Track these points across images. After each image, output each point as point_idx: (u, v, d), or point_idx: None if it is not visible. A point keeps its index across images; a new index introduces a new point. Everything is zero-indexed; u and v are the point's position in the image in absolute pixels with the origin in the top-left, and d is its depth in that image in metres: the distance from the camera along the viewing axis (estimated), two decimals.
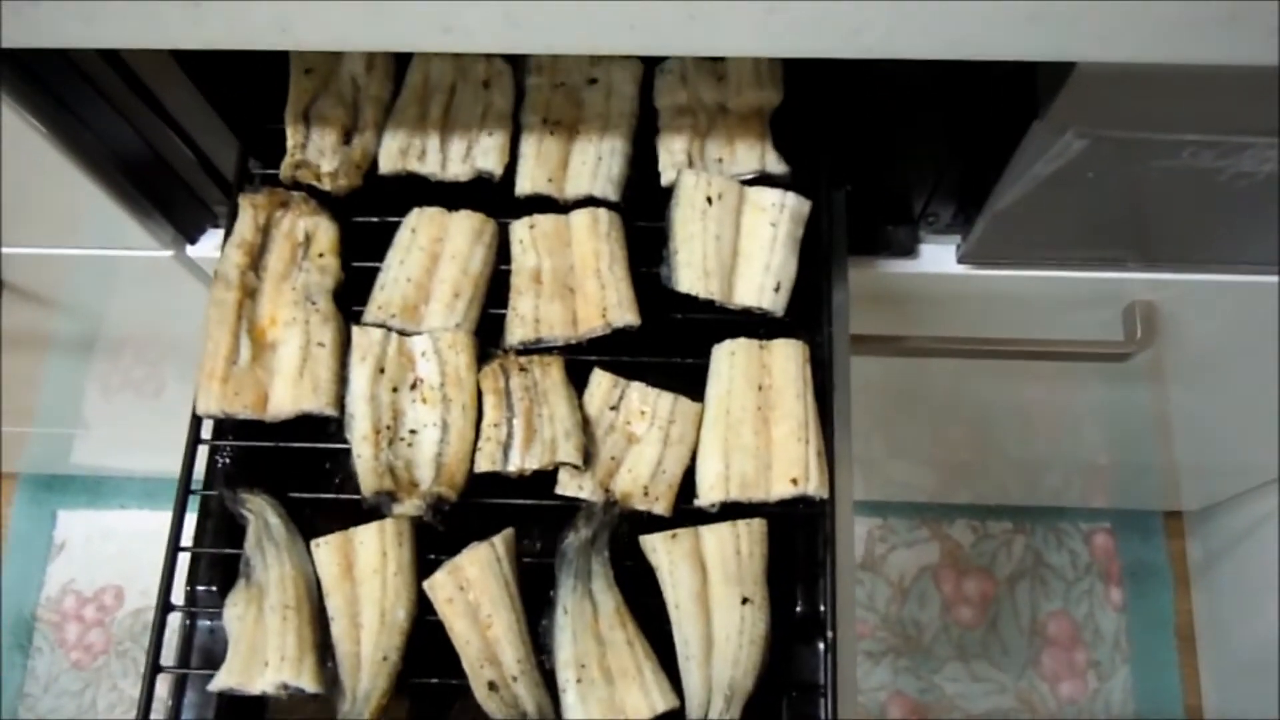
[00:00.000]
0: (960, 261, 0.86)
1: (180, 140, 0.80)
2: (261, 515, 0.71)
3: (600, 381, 0.72)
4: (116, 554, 1.74)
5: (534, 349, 0.72)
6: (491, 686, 0.66)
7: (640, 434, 0.71)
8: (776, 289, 0.71)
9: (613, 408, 0.72)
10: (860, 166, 0.80)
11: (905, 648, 1.58)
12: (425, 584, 0.68)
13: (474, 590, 0.68)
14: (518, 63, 0.78)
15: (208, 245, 0.89)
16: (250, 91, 0.78)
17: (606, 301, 0.71)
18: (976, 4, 0.51)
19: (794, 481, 0.68)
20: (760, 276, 0.71)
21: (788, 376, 0.70)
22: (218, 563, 0.74)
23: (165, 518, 0.73)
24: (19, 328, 1.06)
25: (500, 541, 0.69)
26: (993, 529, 1.64)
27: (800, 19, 0.52)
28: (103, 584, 1.71)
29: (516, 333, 0.72)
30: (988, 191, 0.76)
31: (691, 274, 0.71)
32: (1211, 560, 1.57)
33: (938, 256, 0.87)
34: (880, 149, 0.80)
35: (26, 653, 1.67)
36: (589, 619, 0.67)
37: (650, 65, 0.77)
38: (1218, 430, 1.25)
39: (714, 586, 0.68)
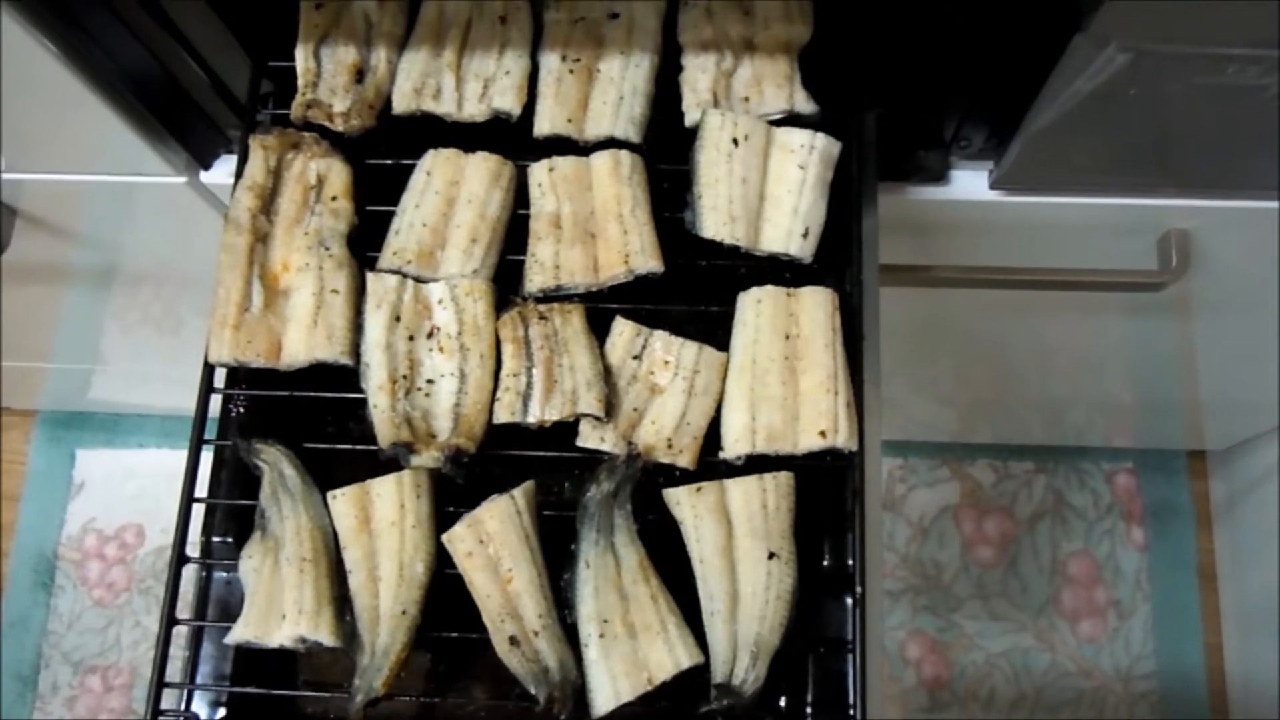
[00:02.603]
0: (993, 187, 0.83)
1: (193, 60, 0.77)
2: (276, 466, 0.70)
3: (623, 330, 0.70)
4: (136, 492, 1.75)
5: (554, 296, 0.70)
6: (513, 641, 0.65)
7: (664, 384, 0.69)
8: (805, 234, 0.68)
9: (635, 357, 0.69)
10: (890, 89, 0.77)
11: (925, 586, 1.58)
12: (444, 537, 0.67)
13: (494, 544, 0.66)
14: None
15: (221, 171, 0.87)
16: (263, 9, 0.76)
17: (629, 247, 0.69)
18: None
19: (822, 434, 0.66)
20: (788, 221, 0.69)
21: (816, 325, 0.68)
22: (233, 514, 0.73)
23: (183, 457, 0.71)
24: (35, 259, 1.04)
25: (520, 494, 0.67)
26: (1014, 469, 1.62)
27: None
28: (123, 522, 1.72)
29: (536, 279, 0.70)
30: (1024, 112, 0.73)
31: (716, 219, 0.68)
32: (1235, 500, 1.55)
33: (969, 183, 0.83)
34: (911, 70, 0.77)
35: (49, 591, 1.68)
36: (611, 573, 0.66)
37: (673, 3, 0.74)
38: (1245, 366, 1.23)
39: (739, 541, 0.66)
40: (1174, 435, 1.58)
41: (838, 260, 0.71)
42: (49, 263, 1.07)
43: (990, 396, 1.46)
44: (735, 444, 0.67)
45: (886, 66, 0.75)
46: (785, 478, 0.67)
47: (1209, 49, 0.63)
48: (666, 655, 0.64)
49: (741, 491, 0.67)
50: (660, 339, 0.70)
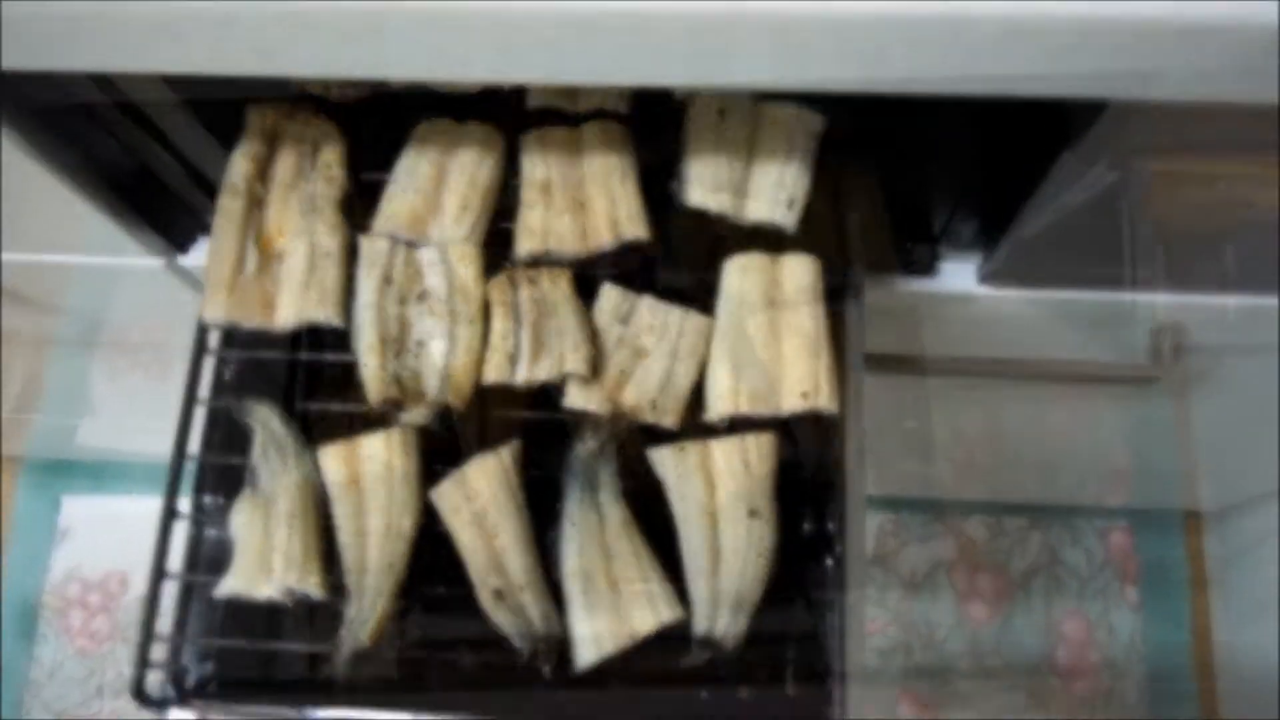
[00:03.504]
0: (981, 282, 0.83)
1: (169, 155, 0.79)
2: (267, 425, 0.71)
3: (609, 295, 0.71)
4: (121, 539, 1.73)
5: (543, 261, 0.71)
6: (498, 595, 0.65)
7: (649, 347, 0.70)
8: (790, 204, 0.70)
9: (622, 321, 0.71)
10: (881, 182, 0.78)
11: (917, 644, 1.56)
12: (431, 493, 0.68)
13: (480, 500, 0.67)
14: None
15: (199, 255, 0.87)
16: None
17: (617, 214, 0.70)
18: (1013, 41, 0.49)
19: (804, 395, 0.67)
20: (773, 191, 0.70)
21: (800, 291, 0.70)
22: (225, 475, 0.73)
23: None
24: (20, 330, 1.05)
25: (507, 452, 0.68)
26: (1008, 525, 1.62)
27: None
28: (108, 570, 1.70)
29: (524, 245, 0.71)
30: (1013, 216, 0.74)
31: (702, 189, 0.70)
32: (1230, 562, 1.55)
33: (958, 276, 0.84)
34: (902, 167, 0.78)
35: (32, 640, 1.66)
36: (595, 530, 0.66)
37: None
38: (1240, 437, 1.23)
39: (722, 500, 0.67)
40: (1170, 497, 1.58)
41: (820, 235, 0.73)
42: (35, 333, 1.08)
43: (984, 459, 1.47)
44: (719, 403, 0.68)
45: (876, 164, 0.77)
46: (767, 439, 0.68)
47: (1200, 168, 0.65)
48: (649, 609, 0.64)
49: (724, 451, 0.67)
50: (646, 304, 0.71)
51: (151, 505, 1.72)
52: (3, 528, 1.75)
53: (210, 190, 0.80)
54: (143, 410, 1.38)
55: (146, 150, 0.78)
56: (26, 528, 1.74)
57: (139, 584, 1.67)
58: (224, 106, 0.75)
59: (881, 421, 0.77)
